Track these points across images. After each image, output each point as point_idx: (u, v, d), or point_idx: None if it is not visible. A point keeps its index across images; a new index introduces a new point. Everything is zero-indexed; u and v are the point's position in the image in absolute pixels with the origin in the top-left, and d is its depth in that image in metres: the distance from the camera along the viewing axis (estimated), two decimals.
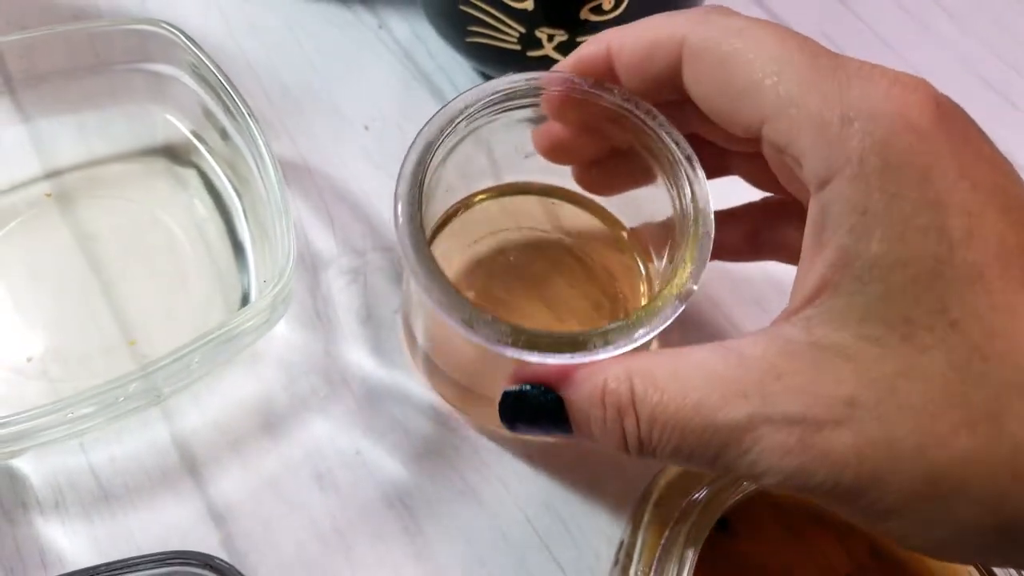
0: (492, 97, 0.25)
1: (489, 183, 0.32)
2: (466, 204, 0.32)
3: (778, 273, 0.28)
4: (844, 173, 0.20)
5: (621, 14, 0.32)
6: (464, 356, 0.29)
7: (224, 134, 0.31)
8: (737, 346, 0.21)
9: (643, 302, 0.31)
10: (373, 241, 0.34)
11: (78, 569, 0.23)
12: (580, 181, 0.30)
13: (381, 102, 0.38)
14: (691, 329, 0.33)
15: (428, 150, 0.24)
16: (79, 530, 0.28)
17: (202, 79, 0.31)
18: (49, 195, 0.32)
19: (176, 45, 0.30)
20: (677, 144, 0.25)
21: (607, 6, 0.32)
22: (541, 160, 0.28)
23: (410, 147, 0.24)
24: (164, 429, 0.30)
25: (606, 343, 0.22)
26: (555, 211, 0.32)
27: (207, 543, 0.28)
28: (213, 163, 0.33)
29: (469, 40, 0.35)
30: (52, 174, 0.32)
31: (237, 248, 0.32)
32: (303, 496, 0.29)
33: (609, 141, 0.27)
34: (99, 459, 0.29)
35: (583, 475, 0.31)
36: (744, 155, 0.27)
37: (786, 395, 0.20)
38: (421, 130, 0.24)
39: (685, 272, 0.23)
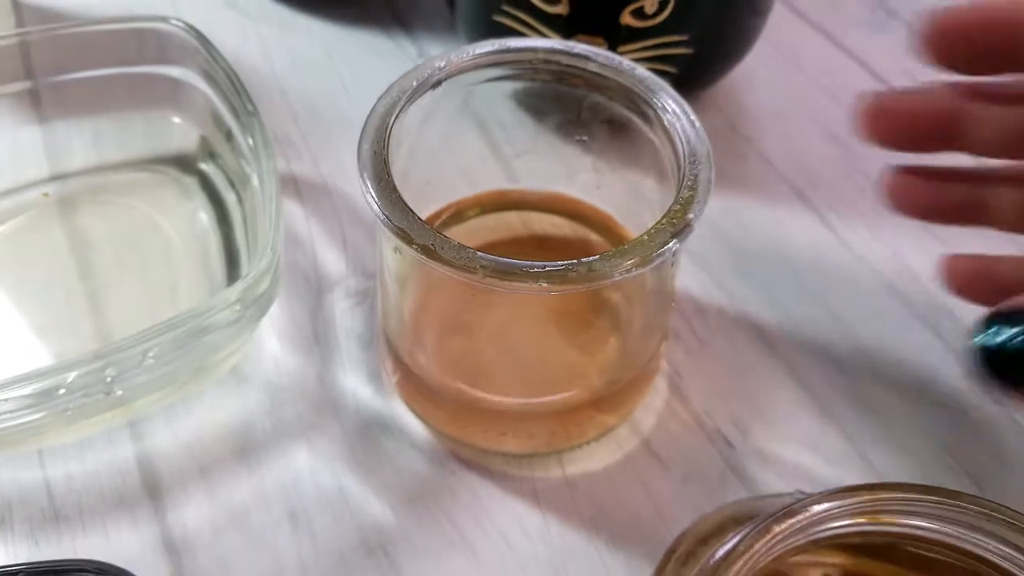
0: (474, 58, 0.25)
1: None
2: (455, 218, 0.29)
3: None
4: None
5: (666, 19, 0.29)
6: (465, 345, 0.26)
7: (229, 135, 0.29)
8: None
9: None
10: None
11: None
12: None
13: None
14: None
15: (400, 96, 0.24)
16: (21, 551, 0.25)
17: (212, 80, 0.29)
18: (46, 195, 0.30)
19: (189, 45, 0.29)
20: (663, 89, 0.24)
21: (650, 9, 0.29)
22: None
23: (384, 93, 0.23)
24: (130, 448, 0.27)
25: (589, 272, 0.20)
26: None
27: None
28: (219, 171, 0.31)
29: None
30: (58, 177, 0.31)
31: (232, 260, 0.29)
32: (272, 535, 0.25)
33: None
34: (56, 475, 0.26)
35: (601, 532, 0.26)
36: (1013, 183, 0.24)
37: None
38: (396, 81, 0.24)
39: (680, 207, 0.21)
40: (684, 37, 0.30)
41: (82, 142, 0.32)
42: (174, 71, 0.30)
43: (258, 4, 0.40)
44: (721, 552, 0.20)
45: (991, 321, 0.19)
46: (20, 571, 0.19)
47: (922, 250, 0.32)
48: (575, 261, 0.20)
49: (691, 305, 0.30)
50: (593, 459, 0.27)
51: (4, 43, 0.30)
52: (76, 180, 0.31)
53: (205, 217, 0.30)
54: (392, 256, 0.24)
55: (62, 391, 0.22)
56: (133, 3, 0.39)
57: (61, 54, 0.30)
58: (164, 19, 0.29)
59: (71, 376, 0.22)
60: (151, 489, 0.26)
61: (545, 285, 0.20)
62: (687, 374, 0.29)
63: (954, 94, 0.24)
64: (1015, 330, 0.19)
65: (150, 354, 0.23)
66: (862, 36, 0.40)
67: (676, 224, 0.21)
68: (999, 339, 0.19)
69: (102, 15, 0.39)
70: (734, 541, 0.20)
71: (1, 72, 0.30)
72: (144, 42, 0.30)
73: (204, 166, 0.31)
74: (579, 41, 0.30)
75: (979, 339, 0.19)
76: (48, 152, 0.32)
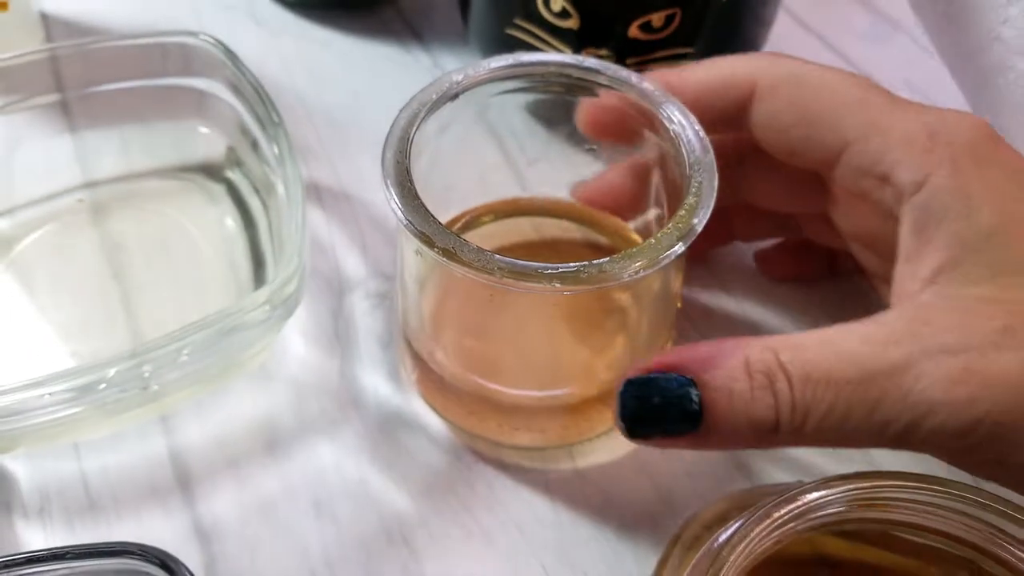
0: (490, 72, 0.26)
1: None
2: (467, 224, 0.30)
3: None
4: (940, 172, 0.22)
5: (672, 33, 0.31)
6: (481, 342, 0.27)
7: (255, 145, 0.30)
8: (871, 319, 0.22)
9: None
10: None
11: (25, 552, 0.21)
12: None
13: None
14: None
15: (421, 108, 0.25)
16: (59, 538, 0.26)
17: (238, 92, 0.31)
18: (81, 200, 0.32)
19: (216, 59, 0.31)
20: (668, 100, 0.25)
21: (657, 24, 0.30)
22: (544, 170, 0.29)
23: (405, 106, 0.24)
24: (162, 441, 0.28)
25: (600, 273, 0.21)
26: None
27: (188, 563, 0.26)
28: (245, 178, 0.32)
29: None
30: (90, 184, 0.32)
31: (258, 263, 0.31)
32: (298, 523, 0.27)
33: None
34: (91, 467, 0.28)
35: (610, 521, 0.27)
36: (803, 217, 0.29)
37: (940, 333, 0.21)
38: (416, 94, 0.25)
39: (686, 212, 0.22)
40: (689, 49, 0.32)
41: (112, 151, 0.33)
42: (201, 83, 0.32)
43: (278, 17, 0.42)
44: (723, 537, 0.21)
45: (625, 385, 0.22)
46: (68, 552, 0.20)
47: None
48: (587, 263, 0.21)
49: (696, 306, 0.32)
50: (602, 452, 0.28)
51: (35, 57, 0.31)
52: (107, 187, 0.33)
53: (231, 222, 0.32)
54: (413, 259, 0.25)
55: (103, 386, 0.24)
56: (157, 16, 0.41)
57: (91, 67, 0.32)
58: (193, 34, 0.31)
59: (112, 372, 0.23)
60: (182, 480, 0.28)
61: (558, 285, 0.21)
62: None
63: None
64: (639, 394, 0.22)
65: (185, 351, 0.24)
66: (864, 47, 0.42)
67: (682, 229, 0.22)
68: (631, 401, 0.22)
69: (128, 29, 0.40)
70: (735, 527, 0.21)
71: (33, 85, 0.32)
72: (171, 56, 0.32)
73: (230, 174, 0.33)
74: (588, 53, 0.32)
75: (619, 401, 0.22)
76: (80, 160, 0.33)
